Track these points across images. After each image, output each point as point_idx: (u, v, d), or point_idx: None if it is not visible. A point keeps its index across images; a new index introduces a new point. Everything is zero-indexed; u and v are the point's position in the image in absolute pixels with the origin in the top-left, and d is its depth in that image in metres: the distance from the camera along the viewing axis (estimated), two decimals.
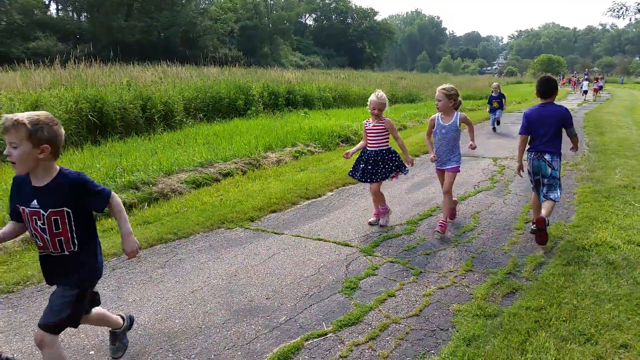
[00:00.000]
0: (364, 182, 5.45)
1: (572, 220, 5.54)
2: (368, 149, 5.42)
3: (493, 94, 14.25)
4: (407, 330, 3.30)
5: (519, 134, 5.15)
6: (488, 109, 14.50)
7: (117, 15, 48.43)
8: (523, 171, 5.26)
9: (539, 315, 3.37)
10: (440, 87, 5.20)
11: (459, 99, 5.22)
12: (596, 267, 4.19)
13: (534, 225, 4.67)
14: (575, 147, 5.28)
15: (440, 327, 3.33)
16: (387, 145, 5.40)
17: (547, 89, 4.92)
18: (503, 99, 14.21)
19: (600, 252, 4.51)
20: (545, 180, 4.88)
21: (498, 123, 14.07)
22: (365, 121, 5.51)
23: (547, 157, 4.85)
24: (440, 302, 3.68)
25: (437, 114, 5.33)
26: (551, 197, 4.82)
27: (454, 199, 5.58)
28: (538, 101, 5.02)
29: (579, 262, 4.29)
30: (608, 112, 20.49)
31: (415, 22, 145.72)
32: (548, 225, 4.73)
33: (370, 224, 5.54)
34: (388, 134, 5.39)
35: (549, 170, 4.83)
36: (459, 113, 5.20)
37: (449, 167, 5.27)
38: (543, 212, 4.75)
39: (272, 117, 14.55)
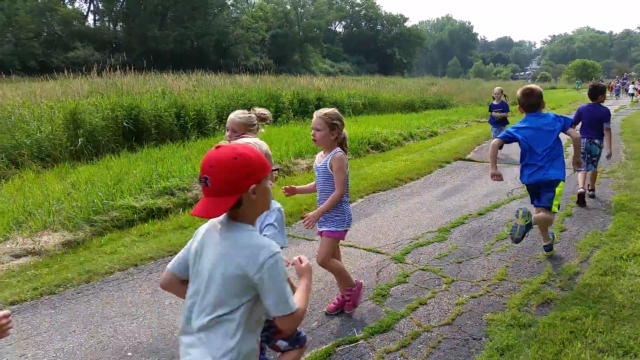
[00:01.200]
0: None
1: (609, 229, 5.40)
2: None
3: (494, 102, 11.03)
4: (439, 339, 3.28)
5: (571, 123, 6.67)
6: (489, 120, 11.40)
7: (152, 25, 49.75)
8: None
9: (575, 326, 3.30)
10: (320, 112, 3.46)
11: (344, 131, 3.52)
12: (635, 277, 4.08)
13: (591, 191, 6.89)
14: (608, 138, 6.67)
15: (473, 337, 3.30)
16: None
17: (590, 94, 6.75)
18: (506, 111, 10.82)
19: (639, 262, 4.39)
20: (592, 157, 6.62)
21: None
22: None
23: (597, 141, 6.55)
24: (473, 311, 3.66)
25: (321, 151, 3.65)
26: (595, 169, 6.76)
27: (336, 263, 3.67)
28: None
29: (616, 272, 4.18)
30: None
31: (445, 27, 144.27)
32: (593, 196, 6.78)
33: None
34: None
35: (598, 150, 6.60)
36: (337, 150, 3.45)
37: (324, 228, 3.58)
38: (590, 183, 6.82)
39: (302, 124, 14.66)
